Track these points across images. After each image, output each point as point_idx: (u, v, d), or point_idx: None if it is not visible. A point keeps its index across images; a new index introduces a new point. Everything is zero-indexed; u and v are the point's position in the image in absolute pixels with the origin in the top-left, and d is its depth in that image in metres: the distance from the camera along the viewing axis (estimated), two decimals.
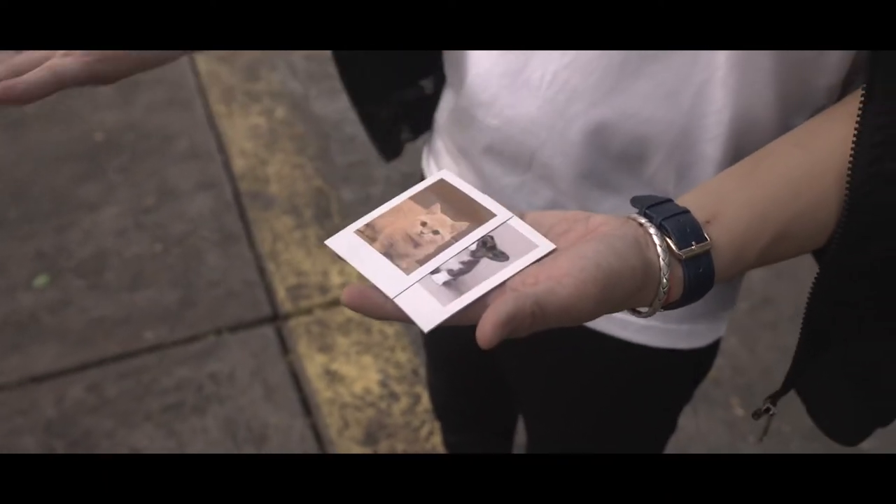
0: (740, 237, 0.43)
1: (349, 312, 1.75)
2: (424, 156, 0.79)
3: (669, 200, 0.43)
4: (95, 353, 1.67)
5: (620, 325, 0.63)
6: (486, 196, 0.47)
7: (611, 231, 0.40)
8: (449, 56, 0.64)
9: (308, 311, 1.75)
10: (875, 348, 0.52)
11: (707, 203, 0.44)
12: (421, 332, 0.43)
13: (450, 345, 0.90)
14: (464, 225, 0.46)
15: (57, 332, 1.70)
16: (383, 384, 1.62)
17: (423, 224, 0.46)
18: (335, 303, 1.77)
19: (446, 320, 0.40)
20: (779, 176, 0.45)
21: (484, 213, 0.46)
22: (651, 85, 0.51)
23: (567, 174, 0.57)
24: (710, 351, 0.67)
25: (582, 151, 0.55)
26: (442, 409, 1.08)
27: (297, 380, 1.62)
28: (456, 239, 0.45)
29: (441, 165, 0.71)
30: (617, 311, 0.41)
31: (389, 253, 0.44)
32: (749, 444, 1.53)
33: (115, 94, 2.33)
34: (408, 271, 0.42)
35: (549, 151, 0.57)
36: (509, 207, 0.45)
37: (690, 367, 0.67)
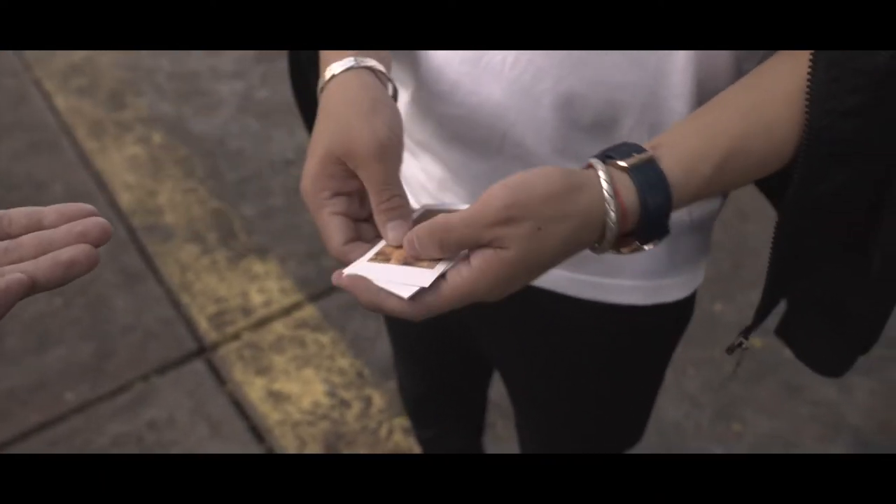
0: (688, 153, 0.46)
1: (279, 329, 1.71)
2: None
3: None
4: (16, 427, 1.55)
5: (606, 290, 0.65)
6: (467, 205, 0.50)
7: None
8: (398, 52, 0.63)
9: (235, 336, 1.70)
10: (841, 277, 0.56)
11: (654, 141, 0.47)
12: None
13: (418, 329, 0.90)
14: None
15: None
16: (331, 394, 1.60)
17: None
18: (262, 322, 1.72)
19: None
20: (726, 106, 0.48)
21: None
22: (617, 53, 0.52)
23: (541, 151, 0.58)
24: (691, 301, 0.70)
25: (554, 126, 0.56)
26: (414, 404, 1.08)
27: (241, 408, 1.57)
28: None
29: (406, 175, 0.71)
30: (560, 233, 0.43)
31: (408, 262, 0.47)
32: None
33: None
34: (432, 266, 0.46)
35: (520, 130, 0.57)
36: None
37: (674, 319, 0.71)
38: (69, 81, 2.41)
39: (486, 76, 0.56)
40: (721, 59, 0.53)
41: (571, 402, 0.78)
